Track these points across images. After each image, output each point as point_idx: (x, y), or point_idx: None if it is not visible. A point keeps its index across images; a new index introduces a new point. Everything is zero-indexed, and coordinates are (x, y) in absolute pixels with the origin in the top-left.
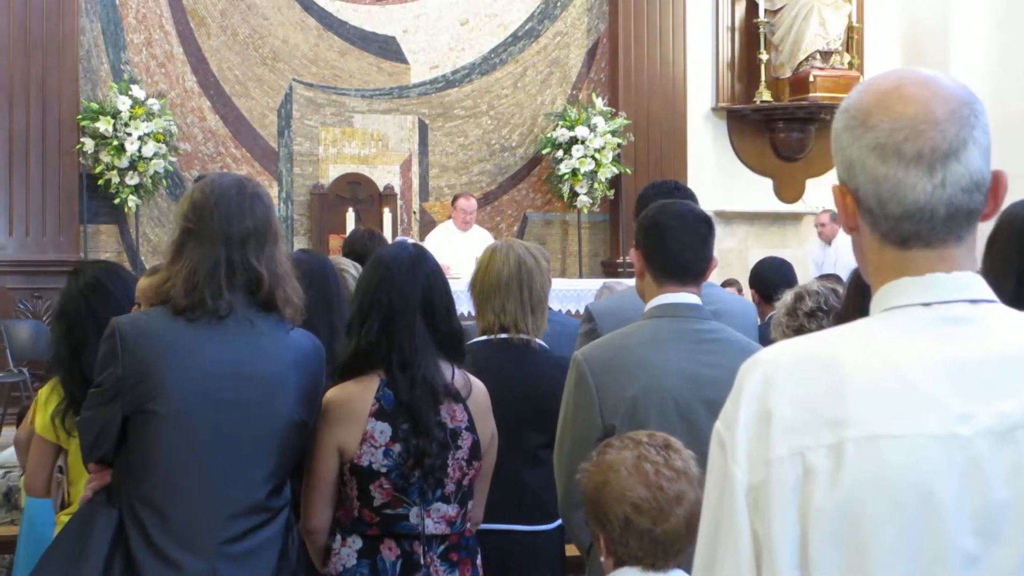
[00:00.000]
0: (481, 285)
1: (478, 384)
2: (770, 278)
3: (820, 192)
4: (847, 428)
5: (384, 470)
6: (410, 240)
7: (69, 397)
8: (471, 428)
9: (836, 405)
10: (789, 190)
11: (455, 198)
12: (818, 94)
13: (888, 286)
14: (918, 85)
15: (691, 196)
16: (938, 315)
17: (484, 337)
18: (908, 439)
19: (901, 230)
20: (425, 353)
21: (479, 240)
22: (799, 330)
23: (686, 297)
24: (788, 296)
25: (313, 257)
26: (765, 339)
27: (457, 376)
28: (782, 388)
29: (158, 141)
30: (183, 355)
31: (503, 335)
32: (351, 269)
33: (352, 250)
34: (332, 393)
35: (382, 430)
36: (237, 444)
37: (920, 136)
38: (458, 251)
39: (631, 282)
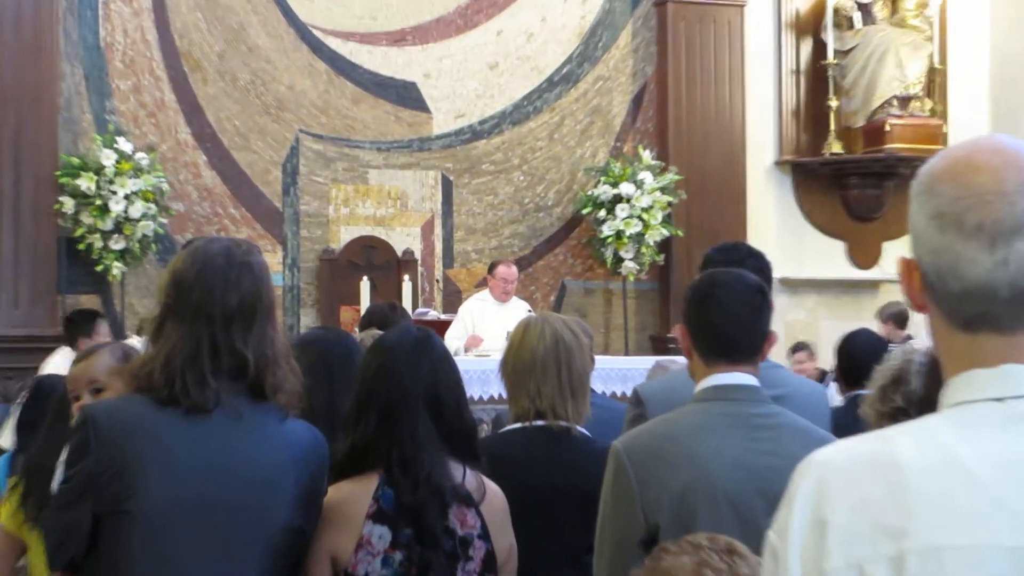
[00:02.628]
0: (514, 365)
1: (494, 488)
2: (862, 359)
3: (899, 256)
4: (908, 538)
5: None
6: (432, 313)
7: (25, 483)
8: (484, 536)
9: (896, 512)
10: (864, 254)
11: (493, 265)
12: (895, 145)
13: (958, 379)
14: (993, 152)
15: (765, 266)
16: (1012, 412)
17: (518, 424)
18: (975, 550)
19: (964, 311)
20: (430, 451)
21: (517, 312)
22: (896, 419)
23: (739, 378)
24: (888, 370)
25: (331, 334)
26: (841, 426)
27: (469, 477)
28: (838, 493)
29: (147, 200)
30: (164, 450)
31: (539, 422)
32: None
33: (371, 324)
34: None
35: (380, 534)
36: (223, 554)
37: (984, 207)
38: (496, 325)
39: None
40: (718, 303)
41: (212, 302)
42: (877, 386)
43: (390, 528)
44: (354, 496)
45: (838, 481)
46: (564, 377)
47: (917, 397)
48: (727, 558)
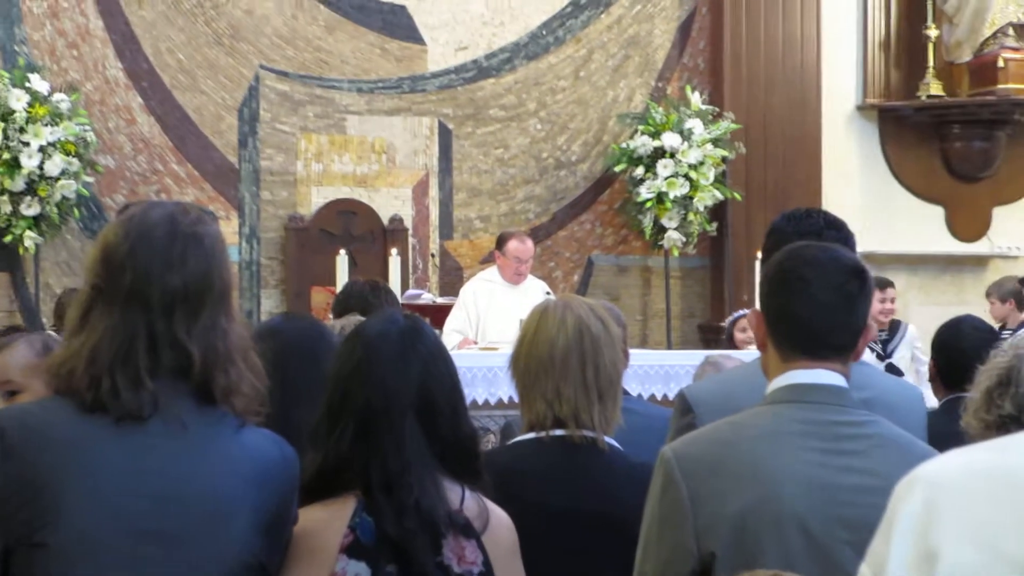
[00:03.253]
0: (527, 361)
1: (499, 514)
2: (966, 354)
3: (1012, 226)
4: None
5: None
6: (426, 296)
7: None
8: (487, 574)
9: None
10: (968, 223)
11: (502, 238)
12: (1011, 85)
13: None
14: None
15: (848, 239)
16: None
17: (532, 434)
18: None
19: None
20: (420, 469)
21: (533, 296)
22: (1005, 428)
23: (823, 376)
24: (994, 368)
25: (293, 324)
26: (937, 436)
27: (468, 501)
28: (951, 517)
29: (67, 154)
30: (87, 467)
31: (558, 431)
32: None
33: (348, 310)
34: None
35: (357, 572)
36: None
37: None
38: (503, 311)
39: (745, 355)
40: (806, 286)
41: (150, 284)
42: (981, 389)
43: (368, 565)
44: (325, 525)
45: (951, 502)
46: (590, 376)
47: None
48: None
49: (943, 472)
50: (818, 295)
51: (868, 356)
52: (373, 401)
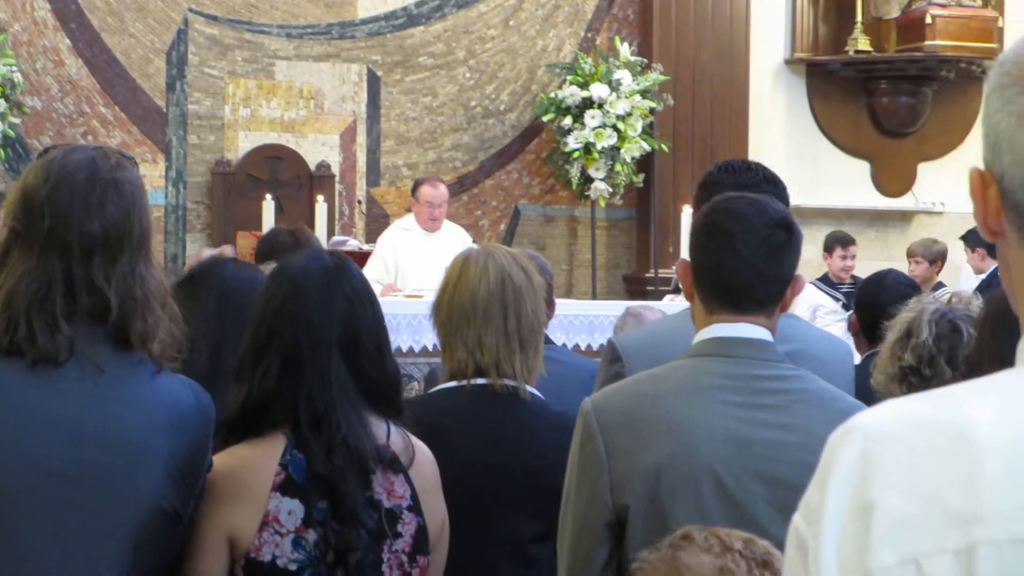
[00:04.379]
0: (449, 310)
1: (422, 448)
2: (888, 308)
3: (936, 182)
4: (981, 526)
5: (293, 568)
6: (352, 242)
7: None
8: (415, 508)
9: (966, 494)
10: (894, 178)
11: (417, 184)
12: (938, 42)
13: None
14: None
15: (783, 197)
16: None
17: (453, 383)
18: None
19: None
20: (346, 406)
21: (451, 243)
22: (906, 380)
23: (746, 329)
24: (899, 322)
25: (237, 270)
26: (860, 390)
27: (394, 436)
28: (889, 469)
29: None
30: (3, 410)
31: (480, 380)
32: None
33: (270, 256)
34: (217, 461)
35: (291, 509)
36: (76, 540)
37: None
38: (422, 259)
39: (667, 306)
40: (731, 237)
41: (68, 228)
42: (888, 343)
43: (301, 502)
44: (255, 463)
45: (889, 454)
46: (511, 325)
47: (929, 353)
48: (758, 571)
49: (880, 422)
50: (742, 248)
51: (825, 300)
52: (298, 338)
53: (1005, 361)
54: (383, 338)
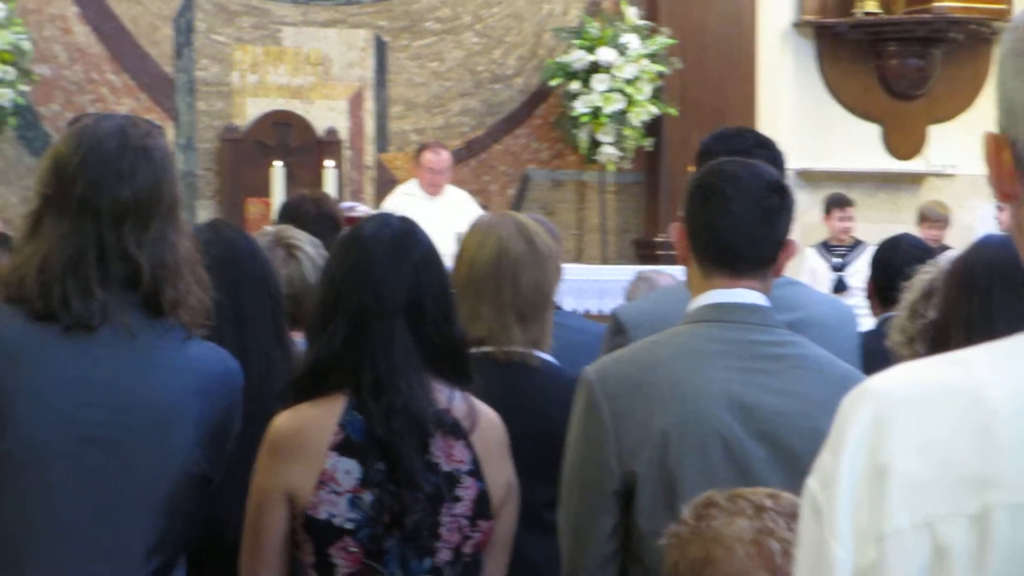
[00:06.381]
0: (455, 278)
1: (488, 413)
2: (903, 270)
3: (947, 144)
4: (997, 490)
5: (350, 527)
6: (361, 208)
7: None
8: (476, 473)
9: (981, 457)
10: (904, 141)
11: (420, 149)
12: (946, 3)
13: None
14: None
15: (777, 158)
16: None
17: None
18: None
19: None
20: (408, 372)
21: (455, 208)
22: (928, 337)
23: (743, 295)
24: (917, 282)
25: (223, 232)
26: (873, 354)
27: (457, 402)
28: (903, 432)
29: (3, 63)
30: (36, 374)
31: (485, 348)
32: (307, 247)
33: (291, 224)
34: (280, 419)
35: (347, 469)
36: (107, 502)
37: None
38: (426, 223)
39: (679, 270)
40: (725, 200)
41: (99, 195)
42: (906, 304)
43: (359, 462)
44: (315, 422)
45: (902, 417)
46: (506, 298)
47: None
48: (795, 525)
49: (894, 386)
50: (736, 209)
51: (821, 264)
52: (365, 303)
53: (972, 321)
54: (449, 305)
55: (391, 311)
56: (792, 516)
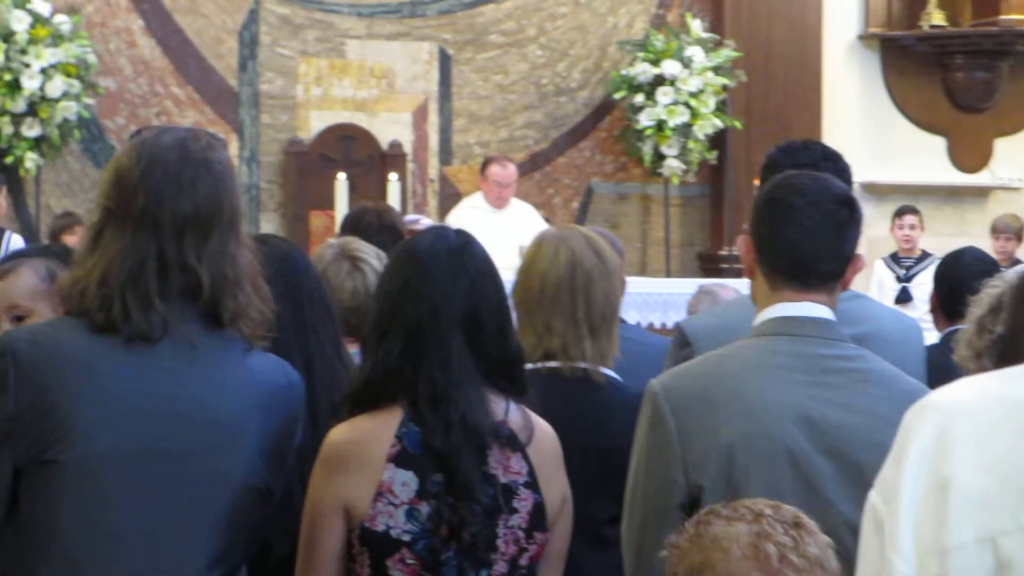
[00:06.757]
0: (521, 293)
1: (543, 427)
2: (968, 283)
3: (1013, 158)
4: None
5: (407, 539)
6: (424, 221)
7: None
8: (532, 486)
9: None
10: (970, 154)
11: (486, 163)
12: (1014, 16)
13: None
14: None
15: (844, 170)
16: None
17: (528, 365)
18: None
19: None
20: (465, 385)
21: (520, 221)
22: (997, 353)
23: (811, 308)
24: (985, 297)
25: (278, 246)
26: (937, 368)
27: (513, 414)
28: (966, 447)
29: (68, 76)
30: (98, 386)
31: (551, 363)
32: (372, 259)
33: (356, 232)
34: (335, 432)
35: (404, 481)
36: (170, 513)
37: None
38: (490, 236)
39: (742, 284)
40: (794, 213)
41: (160, 207)
42: (974, 319)
43: (416, 474)
44: (372, 434)
45: (965, 431)
46: (580, 312)
47: None
48: (793, 532)
49: (956, 400)
50: (806, 221)
51: (888, 276)
52: (421, 317)
53: None
54: (505, 317)
55: (448, 324)
56: (792, 524)
